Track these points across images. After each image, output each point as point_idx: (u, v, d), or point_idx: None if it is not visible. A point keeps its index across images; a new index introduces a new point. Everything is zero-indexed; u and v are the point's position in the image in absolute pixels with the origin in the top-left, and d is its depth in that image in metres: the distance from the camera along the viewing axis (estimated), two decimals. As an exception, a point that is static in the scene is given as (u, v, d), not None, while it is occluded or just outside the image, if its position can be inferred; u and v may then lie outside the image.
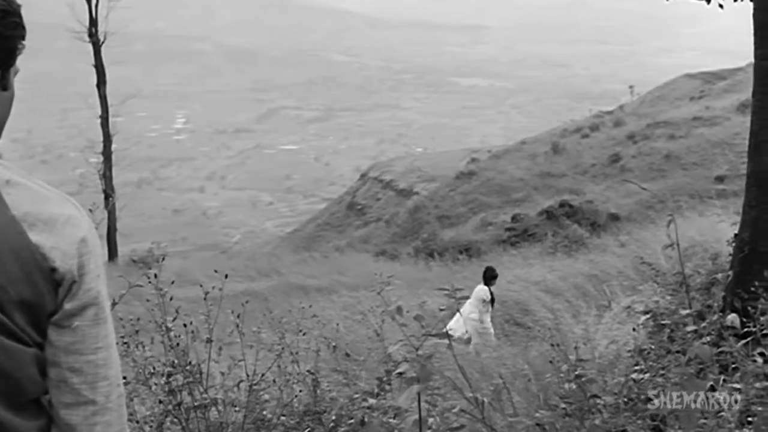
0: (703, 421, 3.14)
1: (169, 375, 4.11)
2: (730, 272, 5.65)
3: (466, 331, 9.50)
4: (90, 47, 25.29)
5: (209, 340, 4.30)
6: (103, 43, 25.26)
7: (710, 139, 27.85)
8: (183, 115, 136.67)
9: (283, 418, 4.50)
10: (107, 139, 25.56)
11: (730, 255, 6.16)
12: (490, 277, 10.75)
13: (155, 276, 4.12)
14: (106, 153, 25.49)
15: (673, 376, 3.85)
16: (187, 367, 4.13)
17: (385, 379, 4.54)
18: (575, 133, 34.10)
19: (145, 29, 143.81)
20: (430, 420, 3.01)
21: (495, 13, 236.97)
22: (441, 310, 3.14)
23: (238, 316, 4.44)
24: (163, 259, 4.85)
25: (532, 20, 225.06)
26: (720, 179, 24.01)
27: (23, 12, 1.54)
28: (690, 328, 3.90)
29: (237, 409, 4.36)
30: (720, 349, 3.76)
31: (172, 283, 4.34)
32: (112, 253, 24.41)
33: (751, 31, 5.71)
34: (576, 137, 33.17)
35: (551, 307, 11.00)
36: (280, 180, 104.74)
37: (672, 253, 3.99)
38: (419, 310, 3.04)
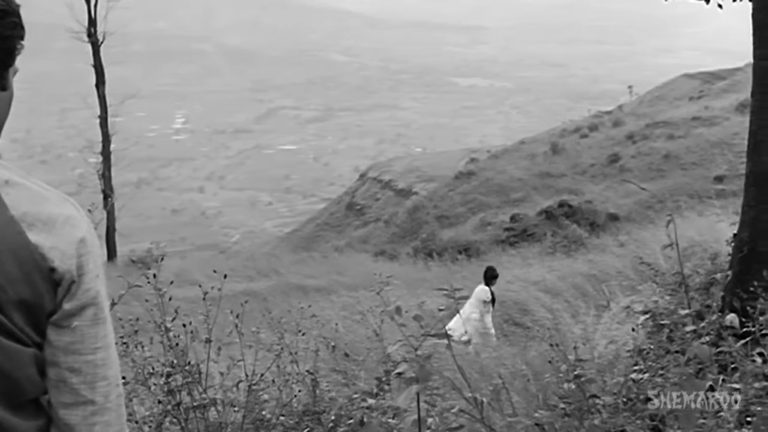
0: (702, 421, 3.14)
1: (168, 375, 4.11)
2: (729, 272, 5.65)
3: (466, 332, 9.49)
4: (89, 47, 25.28)
5: (208, 340, 4.30)
6: (102, 43, 25.25)
7: (709, 139, 27.86)
8: (182, 115, 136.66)
9: (282, 418, 4.50)
10: (106, 139, 25.54)
11: (729, 255, 6.16)
12: (490, 276, 10.73)
13: (154, 276, 4.12)
14: (105, 153, 25.48)
15: (672, 376, 3.85)
16: (186, 367, 4.13)
17: (384, 379, 4.54)
18: (574, 133, 34.11)
19: (144, 29, 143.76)
20: (429, 420, 3.01)
21: (494, 13, 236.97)
22: (440, 310, 3.14)
23: (237, 317, 4.43)
24: (162, 259, 4.85)
25: (532, 20, 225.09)
26: (719, 179, 24.02)
27: (22, 12, 1.54)
28: (689, 328, 3.91)
29: (236, 409, 4.36)
30: (719, 349, 3.76)
31: (171, 283, 4.33)
32: (111, 253, 24.39)
33: (750, 31, 5.71)
34: (575, 137, 33.19)
35: (550, 307, 10.99)
36: (279, 180, 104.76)
37: (671, 253, 3.99)
38: (418, 311, 3.04)
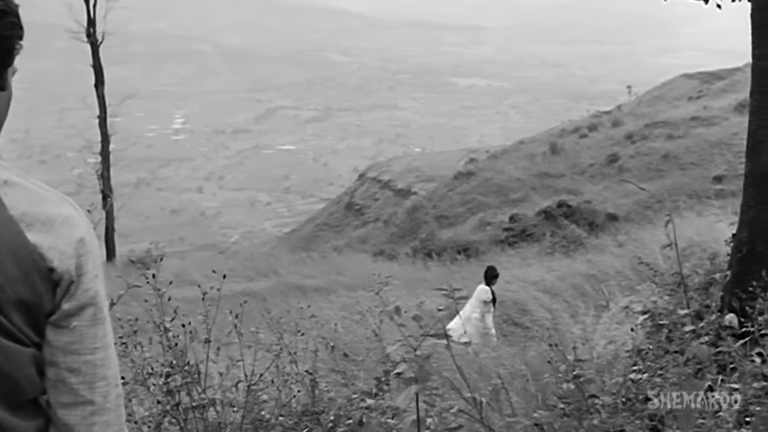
0: (701, 421, 3.14)
1: (168, 375, 4.11)
2: (728, 272, 5.65)
3: (465, 332, 9.48)
4: (88, 47, 25.26)
5: (207, 341, 4.30)
6: (101, 43, 25.23)
7: (708, 139, 27.86)
8: (181, 116, 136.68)
9: (281, 418, 4.50)
10: (105, 139, 25.53)
11: (728, 255, 6.16)
12: (491, 276, 10.72)
13: (153, 276, 4.12)
14: (104, 153, 25.46)
15: (671, 376, 3.85)
16: (186, 368, 4.13)
17: (383, 379, 4.54)
18: (573, 133, 34.11)
19: (143, 29, 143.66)
20: (429, 420, 3.01)
21: (494, 13, 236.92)
22: (439, 310, 3.14)
23: (237, 317, 4.43)
24: (161, 259, 4.85)
25: (531, 20, 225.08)
26: (718, 179, 24.02)
27: (21, 12, 1.54)
28: (688, 328, 3.91)
29: (235, 409, 4.36)
30: (718, 349, 3.76)
31: (170, 283, 4.33)
32: (110, 253, 24.38)
33: (749, 31, 5.71)
34: (574, 137, 33.19)
35: (549, 307, 10.99)
36: (278, 180, 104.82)
37: (670, 253, 3.99)
38: (417, 311, 3.04)
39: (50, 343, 1.54)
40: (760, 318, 3.92)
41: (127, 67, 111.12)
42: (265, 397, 4.53)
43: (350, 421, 4.38)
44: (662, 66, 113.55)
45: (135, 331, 4.32)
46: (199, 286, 4.48)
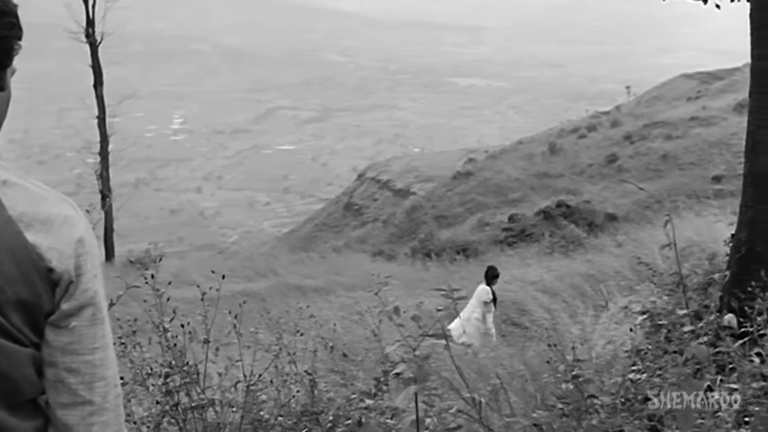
0: (700, 421, 3.14)
1: (167, 376, 4.11)
2: (727, 272, 5.65)
3: (464, 332, 9.48)
4: (87, 47, 25.26)
5: (206, 341, 4.30)
6: (100, 43, 25.22)
7: (707, 139, 27.89)
8: (180, 116, 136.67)
9: (280, 418, 4.49)
10: (104, 139, 25.52)
11: (727, 255, 6.16)
12: (491, 276, 10.71)
13: (152, 276, 4.11)
14: (103, 153, 25.46)
15: (670, 377, 3.85)
16: (185, 368, 4.13)
17: (382, 379, 4.54)
18: (572, 134, 34.14)
19: (142, 29, 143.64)
20: (428, 420, 3.01)
21: (494, 14, 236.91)
22: (438, 310, 3.14)
23: (236, 317, 4.43)
24: (160, 259, 4.85)
25: (531, 20, 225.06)
26: (717, 179, 24.04)
27: (20, 12, 1.54)
28: (687, 328, 3.91)
29: (234, 409, 4.36)
30: (717, 350, 3.77)
31: (169, 283, 4.33)
32: (109, 253, 24.37)
33: (748, 31, 5.71)
34: (573, 137, 33.22)
35: (548, 308, 10.99)
36: (277, 180, 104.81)
37: (669, 253, 3.99)
38: (416, 311, 3.03)
39: (49, 344, 1.54)
40: (759, 318, 3.92)
41: (126, 68, 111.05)
42: (264, 397, 4.53)
43: (349, 421, 4.38)
44: (661, 66, 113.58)
45: (134, 332, 4.32)
46: (198, 286, 4.48)
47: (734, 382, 3.45)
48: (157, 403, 4.16)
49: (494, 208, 27.00)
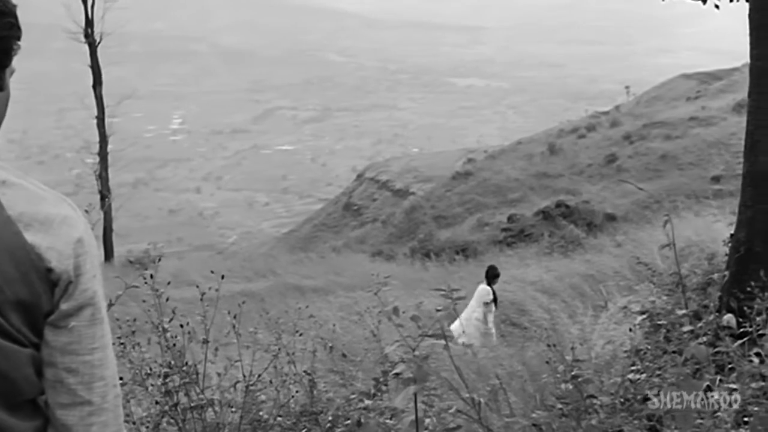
0: (699, 421, 3.15)
1: (166, 376, 4.11)
2: (726, 272, 5.65)
3: (463, 332, 9.49)
4: (86, 48, 25.25)
5: (206, 341, 4.29)
6: (99, 43, 25.22)
7: (706, 140, 27.89)
8: (179, 116, 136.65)
9: (279, 418, 4.49)
10: (103, 139, 25.52)
11: (726, 255, 6.16)
12: (492, 276, 10.71)
13: (151, 277, 4.11)
14: (103, 153, 25.46)
15: (669, 377, 3.85)
16: (184, 368, 4.13)
17: (381, 379, 4.54)
18: (571, 134, 34.14)
19: (141, 30, 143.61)
20: (427, 421, 3.01)
21: (494, 14, 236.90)
22: (438, 310, 3.14)
23: (235, 317, 4.43)
24: (160, 259, 4.85)
25: (531, 20, 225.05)
26: (716, 179, 24.04)
27: (19, 12, 1.54)
28: (686, 328, 3.91)
29: (233, 409, 4.35)
30: (716, 350, 3.77)
31: (169, 283, 4.33)
32: (109, 253, 24.36)
33: (747, 31, 5.71)
34: (572, 137, 33.22)
35: (548, 308, 10.98)
36: (276, 180, 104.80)
37: (668, 253, 3.99)
38: (416, 311, 3.03)
39: (48, 344, 1.54)
40: (758, 318, 3.92)
41: (125, 68, 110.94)
42: (263, 397, 4.53)
43: (348, 421, 4.37)
44: (660, 66, 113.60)
45: (133, 332, 4.31)
46: (197, 286, 4.47)
47: (733, 382, 3.45)
48: (157, 403, 4.16)
49: (493, 209, 27.00)
